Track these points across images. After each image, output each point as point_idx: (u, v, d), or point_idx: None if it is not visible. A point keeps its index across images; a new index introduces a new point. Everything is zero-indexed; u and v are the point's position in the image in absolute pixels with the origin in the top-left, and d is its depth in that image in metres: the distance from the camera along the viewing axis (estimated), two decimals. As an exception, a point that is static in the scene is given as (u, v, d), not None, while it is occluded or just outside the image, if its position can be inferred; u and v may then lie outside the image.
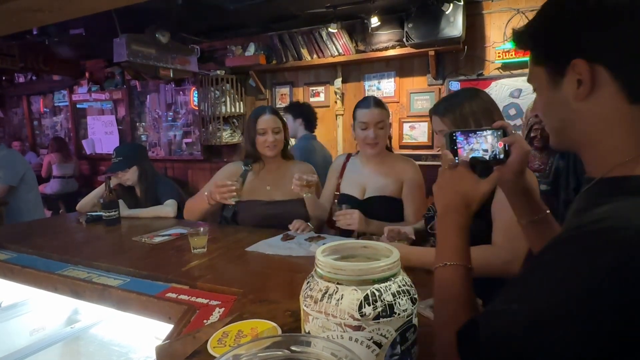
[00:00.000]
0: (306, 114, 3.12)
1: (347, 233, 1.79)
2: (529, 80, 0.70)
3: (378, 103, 1.81)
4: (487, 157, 0.83)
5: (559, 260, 0.51)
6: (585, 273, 0.46)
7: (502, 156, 0.82)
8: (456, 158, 0.84)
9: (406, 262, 1.28)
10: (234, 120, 4.32)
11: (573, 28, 0.59)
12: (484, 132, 0.84)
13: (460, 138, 0.84)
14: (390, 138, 1.97)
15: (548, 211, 0.87)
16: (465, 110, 1.32)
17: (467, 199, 0.76)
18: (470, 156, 0.82)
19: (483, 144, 0.84)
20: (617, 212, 0.49)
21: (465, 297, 0.67)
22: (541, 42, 0.65)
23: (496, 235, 1.26)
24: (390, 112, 3.62)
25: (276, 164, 2.02)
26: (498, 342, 0.52)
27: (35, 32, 3.72)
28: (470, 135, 0.84)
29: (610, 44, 0.56)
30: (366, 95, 3.74)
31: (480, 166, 0.80)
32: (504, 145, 0.82)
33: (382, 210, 1.75)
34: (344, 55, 3.62)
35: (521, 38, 0.69)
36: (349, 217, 1.61)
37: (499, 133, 0.83)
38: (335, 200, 1.92)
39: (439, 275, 0.72)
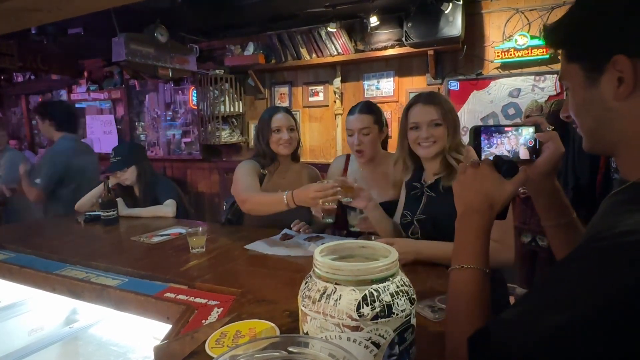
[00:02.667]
0: (53, 113, 2.76)
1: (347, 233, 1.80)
2: (561, 79, 0.66)
3: (364, 109, 1.78)
4: (512, 156, 0.78)
5: (581, 273, 0.48)
6: (607, 287, 0.44)
7: (533, 155, 0.78)
8: (481, 155, 0.79)
9: (417, 254, 1.29)
10: (233, 120, 4.31)
11: (615, 22, 0.55)
12: (512, 128, 0.79)
13: (485, 134, 0.79)
14: (386, 137, 1.92)
15: (574, 215, 0.83)
16: (449, 105, 1.42)
17: (490, 199, 0.71)
18: (494, 154, 0.77)
19: (508, 142, 0.79)
20: None
21: (481, 302, 0.65)
22: (578, 36, 0.61)
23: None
24: (389, 113, 3.64)
25: (286, 166, 1.99)
26: (510, 353, 0.51)
27: (33, 32, 3.71)
28: (496, 131, 0.79)
29: None
30: (365, 94, 3.74)
31: (505, 165, 0.74)
32: (535, 143, 0.78)
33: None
34: (343, 54, 3.61)
35: (554, 34, 0.64)
36: (369, 222, 1.55)
37: (530, 130, 0.78)
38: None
39: (454, 277, 0.69)
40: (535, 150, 0.78)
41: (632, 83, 0.54)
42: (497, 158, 0.75)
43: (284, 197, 1.57)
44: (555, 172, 0.80)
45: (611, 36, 0.56)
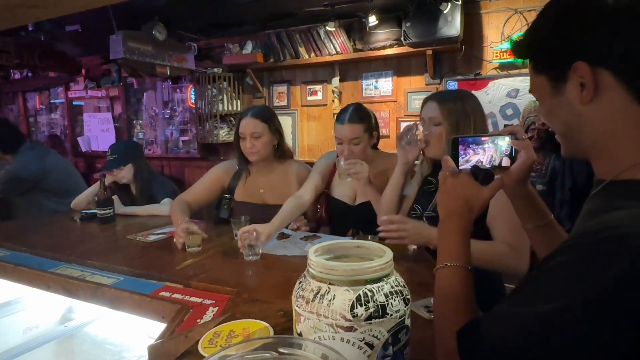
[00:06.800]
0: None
1: (342, 231, 1.79)
2: (530, 91, 0.70)
3: (353, 118, 1.69)
4: (489, 165, 0.83)
5: (572, 265, 0.50)
6: (598, 279, 0.45)
7: (507, 163, 0.82)
8: (458, 164, 0.84)
9: (429, 241, 1.29)
10: (231, 119, 4.30)
11: (574, 31, 0.59)
12: (489, 138, 0.84)
13: (462, 144, 0.84)
14: (378, 137, 1.87)
15: (552, 216, 0.87)
16: (466, 105, 1.35)
17: (469, 204, 0.78)
18: (471, 164, 0.83)
19: (484, 151, 0.84)
20: (633, 219, 0.49)
21: (466, 297, 0.68)
22: (542, 47, 0.64)
23: (505, 234, 1.25)
24: (387, 112, 3.64)
25: (268, 167, 1.97)
26: (500, 344, 0.52)
27: (30, 29, 3.69)
28: (473, 142, 0.84)
29: (612, 46, 0.55)
30: (363, 94, 3.73)
31: (482, 174, 0.81)
32: (510, 151, 0.82)
33: (374, 215, 1.67)
34: (341, 53, 3.60)
35: (520, 47, 0.68)
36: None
37: (506, 139, 0.83)
38: None
39: (439, 276, 0.72)
40: (511, 158, 0.83)
41: (593, 87, 0.57)
42: (475, 167, 0.82)
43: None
44: (527, 178, 0.84)
45: (571, 45, 0.59)
